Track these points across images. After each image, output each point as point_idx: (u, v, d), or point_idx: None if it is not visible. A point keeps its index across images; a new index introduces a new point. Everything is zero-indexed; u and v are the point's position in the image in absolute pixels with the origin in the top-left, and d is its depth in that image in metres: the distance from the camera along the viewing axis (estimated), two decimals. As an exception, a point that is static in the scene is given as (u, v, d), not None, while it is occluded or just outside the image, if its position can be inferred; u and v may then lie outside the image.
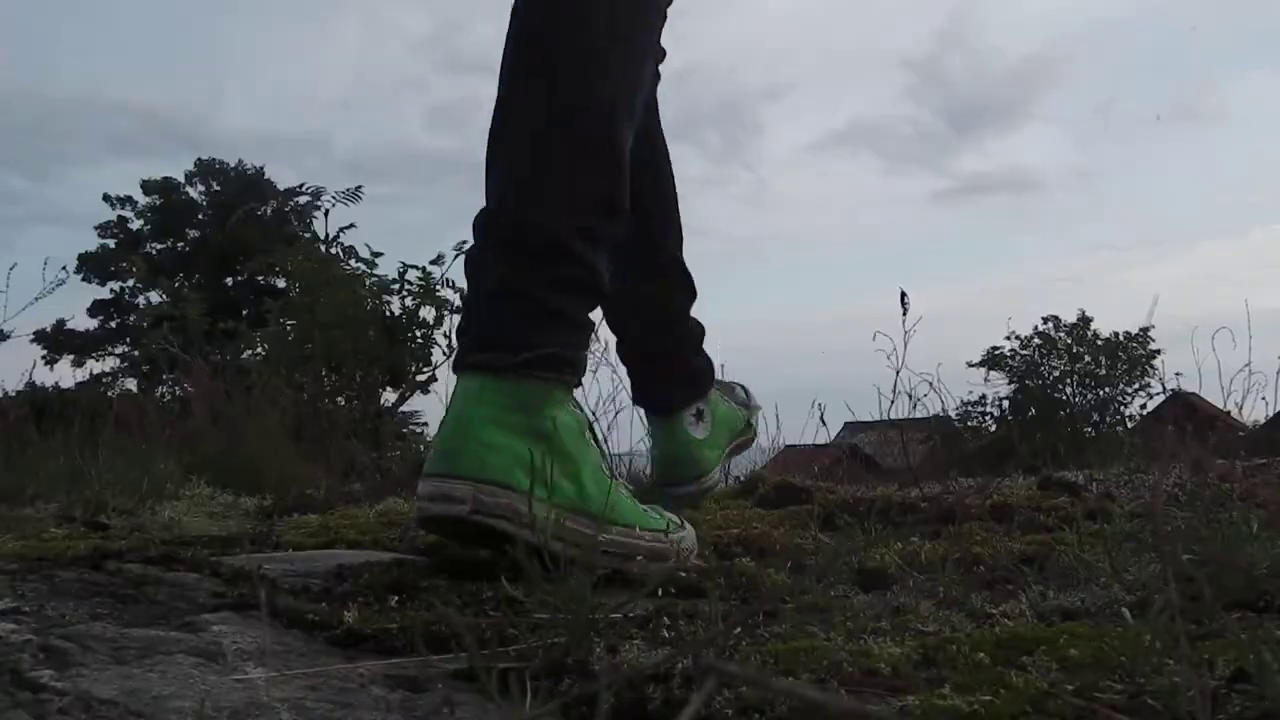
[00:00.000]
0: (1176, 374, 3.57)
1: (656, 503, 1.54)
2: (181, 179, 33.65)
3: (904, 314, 3.37)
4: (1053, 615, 1.17)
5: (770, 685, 0.48)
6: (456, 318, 4.98)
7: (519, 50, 1.47)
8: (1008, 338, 26.72)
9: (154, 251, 32.78)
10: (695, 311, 2.04)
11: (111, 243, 32.70)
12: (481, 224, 1.46)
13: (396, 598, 1.31)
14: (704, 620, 1.19)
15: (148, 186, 33.11)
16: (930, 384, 3.32)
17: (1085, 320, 26.69)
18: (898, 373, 3.39)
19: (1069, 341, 26.95)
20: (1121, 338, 26.17)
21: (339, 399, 4.82)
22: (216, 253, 31.33)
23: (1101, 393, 25.86)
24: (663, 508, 1.51)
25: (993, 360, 26.77)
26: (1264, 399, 2.72)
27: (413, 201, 55.85)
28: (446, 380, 4.31)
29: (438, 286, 4.92)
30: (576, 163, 1.42)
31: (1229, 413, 2.72)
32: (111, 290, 32.22)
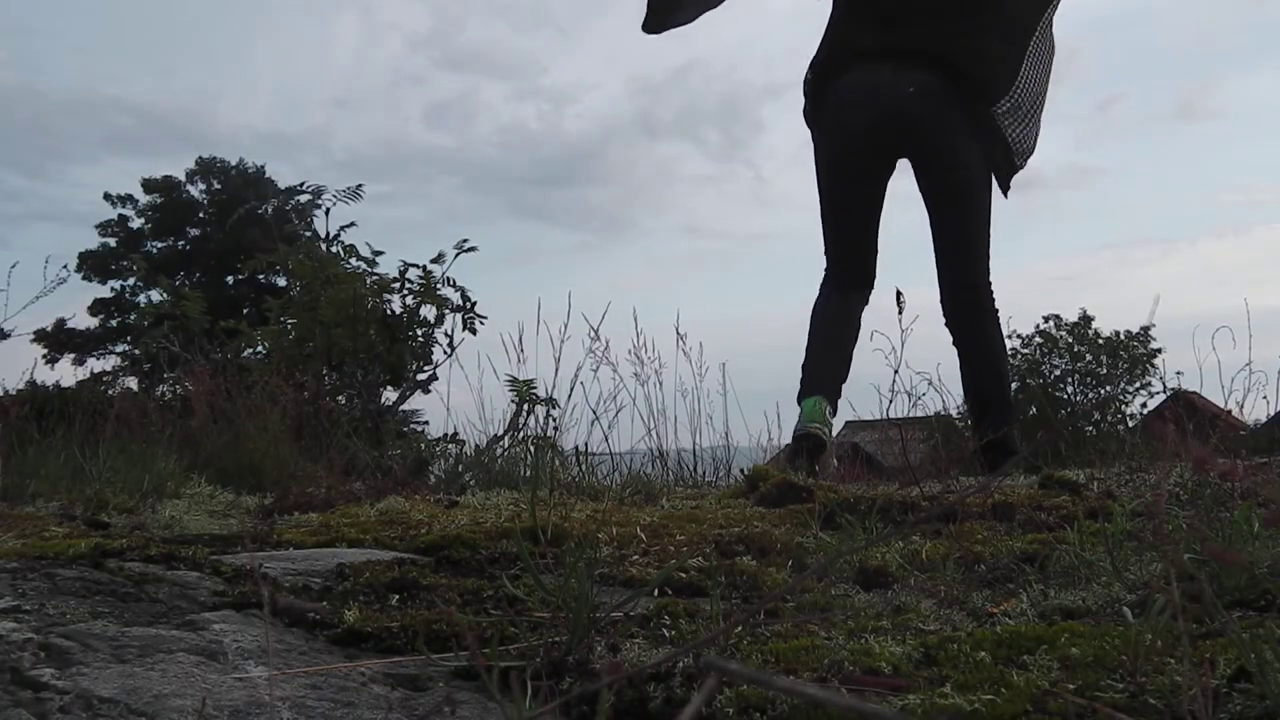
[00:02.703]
0: (1177, 373, 3.56)
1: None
2: (182, 177, 33.66)
3: (900, 312, 3.39)
4: (1054, 614, 1.17)
5: (771, 684, 0.48)
6: (457, 316, 4.99)
7: None
8: (1009, 336, 26.73)
9: (155, 250, 32.75)
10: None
11: (112, 241, 32.68)
12: None
13: (397, 596, 1.31)
14: (705, 619, 1.19)
15: (148, 185, 33.10)
16: (930, 383, 3.33)
17: (1086, 319, 26.70)
18: (896, 371, 3.39)
19: (1070, 340, 26.93)
20: (1122, 336, 26.16)
21: (340, 397, 4.82)
22: (217, 251, 31.33)
23: (1102, 391, 25.86)
24: None
25: (993, 359, 26.76)
26: (1265, 398, 2.72)
27: (411, 199, 55.99)
28: (447, 379, 4.31)
29: (438, 285, 4.92)
30: None
31: (1230, 411, 2.72)
32: (112, 289, 32.22)
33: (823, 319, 3.37)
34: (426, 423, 6.31)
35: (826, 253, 3.45)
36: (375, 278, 4.98)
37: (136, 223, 33.30)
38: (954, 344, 3.31)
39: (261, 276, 23.95)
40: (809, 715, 0.84)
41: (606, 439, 3.53)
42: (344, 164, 53.63)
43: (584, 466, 3.07)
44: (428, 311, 4.99)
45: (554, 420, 3.79)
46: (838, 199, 3.39)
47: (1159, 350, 24.98)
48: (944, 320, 3.33)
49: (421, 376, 5.02)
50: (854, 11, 3.32)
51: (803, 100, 3.49)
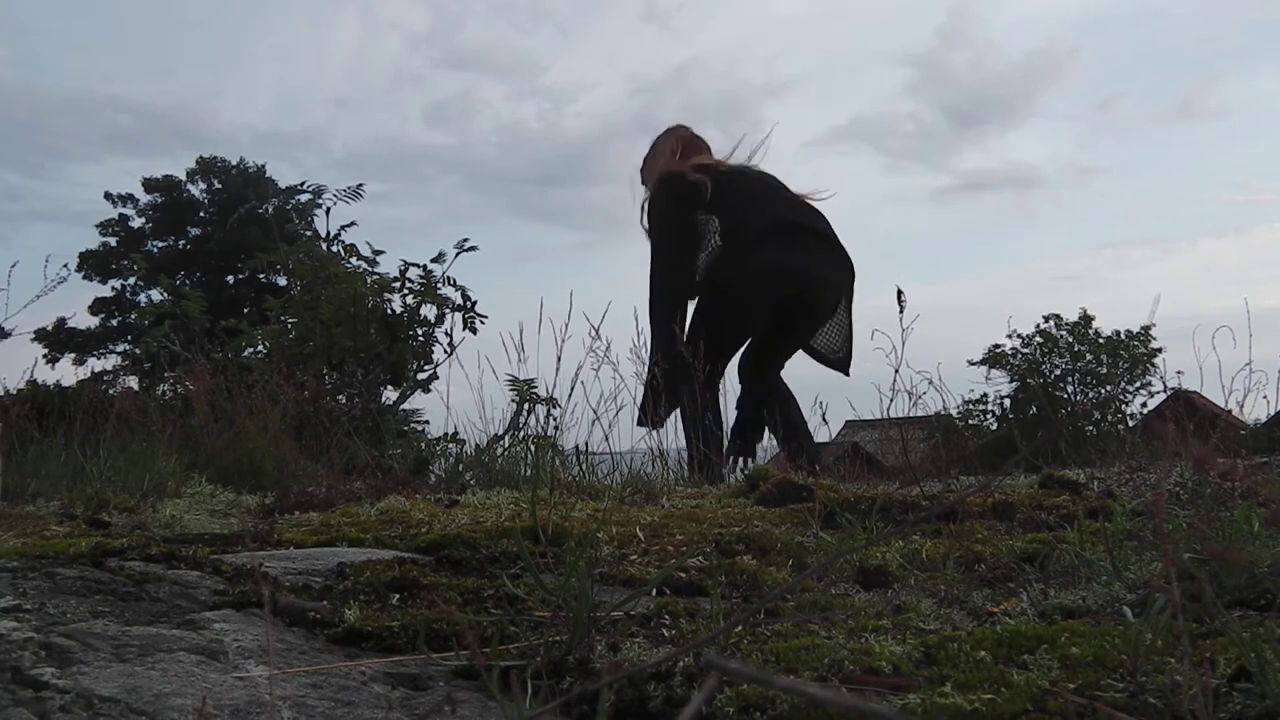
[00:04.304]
0: (1178, 372, 3.56)
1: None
2: (182, 176, 33.66)
3: (900, 312, 3.38)
4: (1054, 613, 1.17)
5: (772, 683, 0.48)
6: (458, 315, 5.00)
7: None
8: (1009, 336, 26.76)
9: (155, 249, 32.74)
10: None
11: (112, 240, 32.67)
12: None
13: (397, 596, 1.31)
14: (705, 618, 1.19)
15: (149, 184, 33.09)
16: (931, 382, 3.32)
17: (1087, 318, 26.71)
18: (896, 371, 3.39)
19: (1070, 340, 26.92)
20: (1123, 336, 26.15)
21: (340, 397, 4.82)
22: (217, 250, 31.32)
23: (1102, 391, 25.84)
24: None
25: (994, 358, 26.78)
26: (1265, 397, 2.71)
27: (411, 199, 56.03)
28: (447, 378, 4.32)
29: (439, 284, 4.92)
30: None
31: (1230, 411, 2.72)
32: (113, 288, 32.22)
33: (698, 420, 3.98)
34: (427, 422, 6.32)
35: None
36: (376, 277, 4.99)
37: (137, 222, 33.32)
38: (751, 393, 4.09)
39: (262, 276, 23.94)
40: (809, 714, 0.84)
41: (606, 438, 3.53)
42: (344, 163, 53.73)
43: (584, 466, 3.07)
44: (428, 311, 4.99)
45: (554, 420, 3.79)
46: (738, 337, 4.09)
47: (1159, 350, 25.00)
48: (743, 383, 4.11)
49: (422, 376, 5.03)
50: (767, 203, 4.12)
51: (708, 269, 4.08)
